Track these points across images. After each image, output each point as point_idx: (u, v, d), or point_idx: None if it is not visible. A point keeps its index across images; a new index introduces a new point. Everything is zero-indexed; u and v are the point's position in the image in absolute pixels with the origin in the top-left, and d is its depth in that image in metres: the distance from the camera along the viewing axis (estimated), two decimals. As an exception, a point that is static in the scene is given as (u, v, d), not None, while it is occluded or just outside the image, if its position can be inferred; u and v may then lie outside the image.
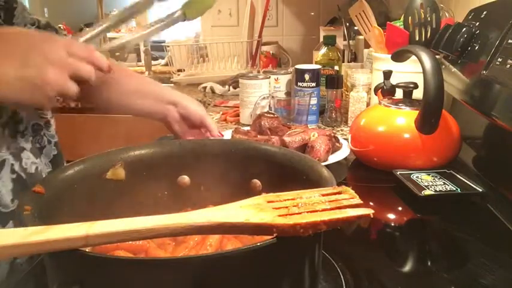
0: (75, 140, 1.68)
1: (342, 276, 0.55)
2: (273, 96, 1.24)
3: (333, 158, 0.94)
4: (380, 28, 1.18)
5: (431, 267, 0.60)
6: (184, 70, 2.08)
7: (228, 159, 0.60)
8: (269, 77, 1.29)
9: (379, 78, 1.07)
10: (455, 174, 0.84)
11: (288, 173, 0.55)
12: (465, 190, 0.78)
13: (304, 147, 0.93)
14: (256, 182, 0.58)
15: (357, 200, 0.40)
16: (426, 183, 0.79)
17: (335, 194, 0.41)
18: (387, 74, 1.02)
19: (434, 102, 0.81)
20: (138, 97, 0.86)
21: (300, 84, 1.26)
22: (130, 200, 0.56)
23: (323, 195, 0.41)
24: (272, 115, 1.06)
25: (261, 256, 0.37)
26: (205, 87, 1.85)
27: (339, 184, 0.45)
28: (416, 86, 0.92)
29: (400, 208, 0.81)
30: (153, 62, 2.46)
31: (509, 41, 0.75)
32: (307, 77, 1.25)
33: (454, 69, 0.94)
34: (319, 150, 0.90)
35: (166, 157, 0.60)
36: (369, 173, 0.92)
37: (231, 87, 1.77)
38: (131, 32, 3.31)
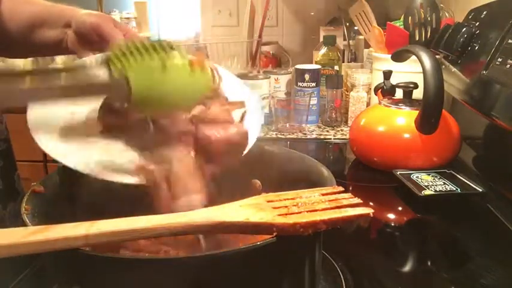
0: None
1: (342, 276, 0.55)
2: (273, 96, 1.24)
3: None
4: (380, 28, 1.18)
5: (431, 267, 0.60)
6: (184, 70, 2.08)
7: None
8: (269, 77, 1.29)
9: (379, 78, 1.07)
10: (455, 174, 0.84)
11: (288, 172, 0.55)
12: (465, 190, 0.78)
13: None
14: (256, 182, 0.58)
15: (357, 200, 0.40)
16: (426, 183, 0.79)
17: (335, 193, 0.41)
18: (387, 74, 1.02)
19: (434, 102, 0.81)
20: (34, 27, 0.72)
21: (300, 84, 1.26)
22: (131, 200, 0.56)
23: (323, 194, 0.41)
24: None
25: (261, 256, 0.37)
26: (205, 87, 1.85)
27: (338, 184, 0.45)
28: (416, 86, 0.92)
29: (400, 208, 0.81)
30: (153, 62, 2.45)
31: (509, 41, 0.75)
32: (307, 77, 1.25)
33: (454, 69, 0.94)
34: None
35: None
36: (369, 173, 0.92)
37: (231, 87, 1.77)
38: (131, 32, 3.30)
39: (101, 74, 0.44)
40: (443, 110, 0.84)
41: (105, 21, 0.64)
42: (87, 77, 0.44)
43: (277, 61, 1.94)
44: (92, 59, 0.47)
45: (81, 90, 0.44)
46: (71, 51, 0.69)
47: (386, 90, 1.01)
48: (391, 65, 1.01)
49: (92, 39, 0.65)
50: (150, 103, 0.45)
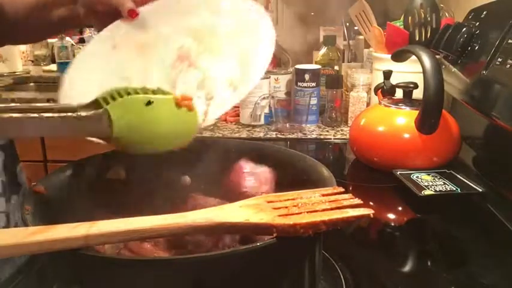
0: (74, 140, 1.68)
1: (342, 276, 0.55)
2: (273, 96, 1.24)
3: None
4: (380, 28, 1.18)
5: (431, 267, 0.60)
6: (184, 70, 2.08)
7: (229, 159, 0.60)
8: (269, 77, 1.29)
9: (379, 78, 1.07)
10: (455, 174, 0.84)
11: (288, 173, 0.55)
12: (465, 190, 0.78)
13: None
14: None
15: (357, 200, 0.40)
16: (426, 183, 0.79)
17: (335, 194, 0.41)
18: (387, 74, 1.02)
19: (434, 102, 0.81)
20: (38, 9, 0.69)
21: (300, 84, 1.26)
22: (131, 200, 0.56)
23: (323, 195, 0.41)
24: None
25: (261, 256, 0.37)
26: (205, 87, 1.85)
27: (338, 184, 0.45)
28: (416, 86, 0.92)
29: (400, 208, 0.81)
30: (153, 62, 2.45)
31: (509, 41, 0.75)
32: (307, 77, 1.25)
33: (454, 69, 0.94)
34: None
35: (167, 157, 0.60)
36: (369, 173, 0.92)
37: (231, 87, 1.77)
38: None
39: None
40: (443, 110, 0.84)
41: None
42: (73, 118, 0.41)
43: (277, 61, 1.94)
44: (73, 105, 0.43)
45: (68, 128, 0.42)
46: (87, 25, 0.67)
47: (386, 90, 1.01)
48: (391, 65, 1.01)
49: (102, 9, 0.64)
50: (133, 140, 0.44)
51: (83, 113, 0.41)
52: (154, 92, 0.44)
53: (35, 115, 0.39)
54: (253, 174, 0.53)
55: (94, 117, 0.41)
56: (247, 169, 0.54)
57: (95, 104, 0.42)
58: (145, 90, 0.43)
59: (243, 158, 0.60)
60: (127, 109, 0.42)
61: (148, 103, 0.42)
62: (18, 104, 0.41)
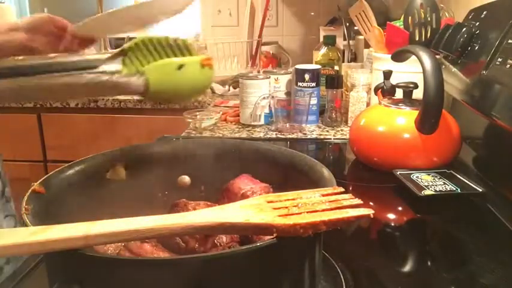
0: (74, 140, 1.68)
1: (341, 276, 0.55)
2: (273, 96, 1.24)
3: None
4: (380, 28, 1.18)
5: (431, 267, 0.60)
6: (184, 70, 2.07)
7: (229, 159, 0.60)
8: (269, 77, 1.29)
9: (379, 78, 1.07)
10: (455, 174, 0.84)
11: (289, 173, 0.55)
12: (465, 190, 0.78)
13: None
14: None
15: (357, 200, 0.40)
16: (426, 183, 0.79)
17: (335, 194, 0.41)
18: (387, 74, 1.02)
19: (434, 102, 0.81)
20: None
21: (300, 84, 1.26)
22: (131, 200, 0.56)
23: (323, 195, 0.41)
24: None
25: (261, 256, 0.37)
26: (205, 87, 1.85)
27: (338, 184, 0.45)
28: (416, 86, 0.92)
29: (400, 208, 0.81)
30: (153, 62, 2.45)
31: (509, 41, 0.75)
32: (307, 77, 1.25)
33: (454, 69, 0.94)
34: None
35: (166, 157, 0.60)
36: (369, 173, 0.92)
37: (231, 87, 1.77)
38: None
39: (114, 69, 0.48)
40: (443, 110, 0.84)
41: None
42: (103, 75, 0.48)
43: (277, 61, 1.94)
44: (102, 55, 0.49)
45: (102, 88, 0.48)
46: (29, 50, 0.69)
47: (386, 90, 1.01)
48: (391, 65, 1.01)
49: (49, 30, 0.69)
50: (163, 96, 0.52)
51: (125, 76, 0.48)
52: (182, 44, 0.51)
53: (85, 79, 0.45)
54: (253, 193, 0.54)
55: (135, 79, 0.48)
56: (244, 190, 0.54)
57: (123, 52, 0.48)
58: (172, 43, 0.50)
59: (244, 158, 0.60)
60: (161, 72, 0.49)
61: (180, 67, 0.49)
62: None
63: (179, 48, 0.51)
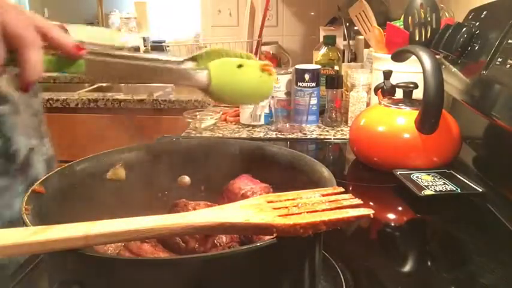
0: (74, 140, 1.68)
1: (341, 276, 0.55)
2: (273, 96, 1.24)
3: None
4: (380, 28, 1.18)
5: (431, 267, 0.60)
6: (184, 70, 2.07)
7: (229, 159, 0.60)
8: (269, 77, 1.29)
9: (379, 78, 1.07)
10: (455, 174, 0.84)
11: (289, 173, 0.55)
12: (465, 190, 0.78)
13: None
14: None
15: (357, 200, 0.40)
16: (426, 183, 0.79)
17: (335, 194, 0.41)
18: (387, 74, 1.02)
19: (434, 102, 0.81)
20: None
21: (300, 84, 1.26)
22: (131, 200, 0.56)
23: (323, 195, 0.41)
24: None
25: (261, 256, 0.37)
26: (205, 87, 1.85)
27: (338, 184, 0.45)
28: (416, 86, 0.92)
29: (400, 208, 0.81)
30: (153, 62, 2.45)
31: (509, 41, 0.75)
32: (307, 77, 1.25)
33: (454, 69, 0.94)
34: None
35: (166, 157, 0.60)
36: (369, 173, 0.92)
37: (231, 87, 1.77)
38: (131, 32, 3.30)
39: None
40: (443, 110, 0.84)
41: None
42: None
43: (277, 61, 1.94)
44: (179, 58, 0.54)
45: (173, 76, 0.53)
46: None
47: (386, 90, 1.01)
48: (391, 65, 1.01)
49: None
50: (225, 94, 0.55)
51: (193, 68, 0.53)
52: (246, 57, 0.55)
53: (161, 65, 0.52)
54: (253, 193, 0.54)
55: (199, 72, 0.53)
56: (244, 190, 0.54)
57: (196, 60, 0.54)
58: (239, 55, 0.55)
59: (244, 158, 0.60)
60: (223, 68, 0.54)
61: (240, 66, 0.54)
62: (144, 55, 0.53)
63: (242, 56, 0.55)
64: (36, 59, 0.46)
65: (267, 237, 0.37)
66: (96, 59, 0.50)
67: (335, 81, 1.24)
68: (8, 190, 0.70)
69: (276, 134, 1.21)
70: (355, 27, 1.50)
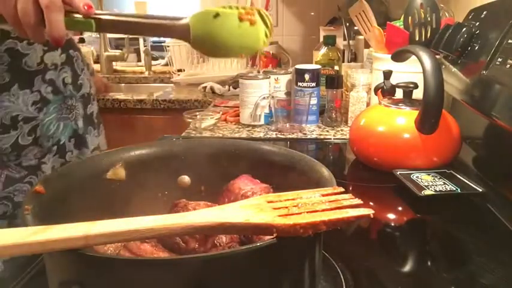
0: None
1: (341, 276, 0.55)
2: (273, 96, 1.24)
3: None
4: (380, 28, 1.18)
5: (431, 267, 0.60)
6: (184, 70, 2.08)
7: (229, 159, 0.60)
8: (269, 77, 1.29)
9: (379, 78, 1.07)
10: (455, 174, 0.84)
11: (289, 173, 0.55)
12: (465, 190, 0.78)
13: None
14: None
15: (357, 200, 0.40)
16: (426, 183, 0.79)
17: (335, 194, 0.41)
18: (387, 74, 1.02)
19: (434, 102, 0.81)
20: None
21: (300, 84, 1.26)
22: (131, 200, 0.56)
23: (323, 195, 0.41)
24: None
25: (261, 256, 0.37)
26: (205, 87, 1.86)
27: (338, 184, 0.45)
28: (416, 86, 0.92)
29: (400, 208, 0.81)
30: (153, 62, 2.46)
31: (509, 41, 0.75)
32: (307, 77, 1.25)
33: (454, 69, 0.94)
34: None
35: (166, 157, 0.60)
36: (369, 173, 0.92)
37: (231, 87, 1.78)
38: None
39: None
40: (443, 110, 0.84)
41: None
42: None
43: (277, 61, 1.94)
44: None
45: (161, 30, 0.57)
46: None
47: (386, 90, 1.01)
48: (391, 65, 1.01)
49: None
50: (206, 44, 0.56)
51: (172, 20, 0.56)
52: (228, 7, 0.55)
53: (145, 20, 0.56)
54: (253, 194, 0.54)
55: (181, 24, 0.55)
56: (244, 190, 0.54)
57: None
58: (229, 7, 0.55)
59: (244, 158, 0.60)
60: (200, 19, 0.55)
61: (216, 15, 0.53)
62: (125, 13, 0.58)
63: (231, 8, 0.55)
64: (57, 19, 0.55)
65: (267, 237, 0.37)
66: (103, 18, 0.56)
67: (335, 81, 1.24)
68: None
69: (276, 134, 1.21)
70: (355, 27, 1.50)
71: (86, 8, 0.56)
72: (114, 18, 0.56)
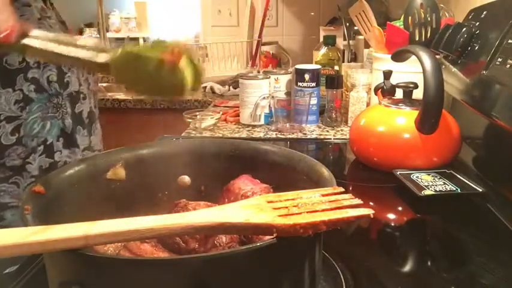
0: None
1: (342, 276, 0.55)
2: (273, 96, 1.24)
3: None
4: (380, 28, 1.18)
5: (431, 267, 0.60)
6: (184, 70, 2.08)
7: (229, 160, 0.60)
8: (269, 77, 1.29)
9: (379, 78, 1.07)
10: (455, 174, 0.84)
11: (288, 173, 0.55)
12: (465, 190, 0.78)
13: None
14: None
15: (357, 200, 0.40)
16: (426, 183, 0.79)
17: (335, 194, 0.41)
18: (387, 74, 1.02)
19: (434, 102, 0.81)
20: None
21: (300, 84, 1.26)
22: (130, 200, 0.56)
23: (323, 195, 0.41)
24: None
25: (261, 256, 0.37)
26: (205, 87, 1.86)
27: (338, 184, 0.45)
28: (416, 86, 0.92)
29: (400, 208, 0.81)
30: (153, 62, 2.45)
31: (509, 41, 0.75)
32: (307, 77, 1.25)
33: (454, 69, 0.94)
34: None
35: (166, 157, 0.60)
36: (369, 173, 0.92)
37: (231, 87, 1.78)
38: (131, 32, 3.31)
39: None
40: (443, 110, 0.84)
41: None
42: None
43: (277, 61, 1.94)
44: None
45: (75, 61, 0.54)
46: None
47: (386, 90, 1.01)
48: (391, 65, 1.01)
49: None
50: (127, 83, 0.54)
51: (94, 50, 0.53)
52: (151, 46, 0.52)
53: (67, 53, 0.53)
54: (253, 194, 0.54)
55: (101, 62, 0.52)
56: (244, 190, 0.54)
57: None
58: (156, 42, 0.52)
59: (244, 158, 0.60)
60: (120, 59, 0.51)
61: (137, 56, 0.50)
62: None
63: (155, 45, 0.52)
64: None
65: (267, 237, 0.37)
66: (31, 45, 0.54)
67: (335, 81, 1.24)
68: None
69: (276, 134, 1.21)
70: (355, 27, 1.50)
71: (5, 36, 0.54)
72: (38, 46, 0.54)
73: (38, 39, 0.54)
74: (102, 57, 0.52)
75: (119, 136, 1.63)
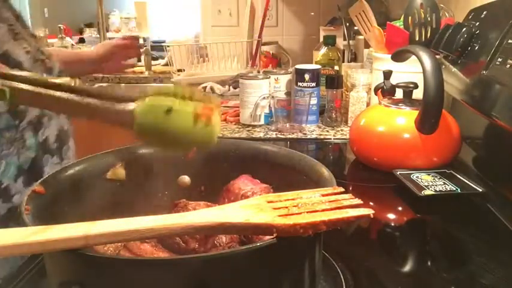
0: (74, 140, 1.68)
1: (341, 276, 0.55)
2: (273, 96, 1.24)
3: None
4: (380, 28, 1.18)
5: (431, 267, 0.60)
6: (184, 70, 2.08)
7: (229, 159, 0.60)
8: (269, 77, 1.29)
9: (379, 78, 1.07)
10: (455, 174, 0.84)
11: (288, 173, 0.55)
12: (465, 190, 0.78)
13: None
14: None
15: (357, 200, 0.40)
16: (426, 183, 0.79)
17: (335, 194, 0.41)
18: (387, 74, 1.02)
19: (434, 102, 0.81)
20: None
21: (300, 84, 1.26)
22: (131, 200, 0.56)
23: (323, 195, 0.41)
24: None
25: (261, 256, 0.37)
26: (205, 87, 1.85)
27: (338, 184, 0.45)
28: (416, 86, 0.92)
29: (400, 208, 0.81)
30: (153, 62, 2.45)
31: (509, 41, 0.75)
32: (307, 77, 1.25)
33: (454, 69, 0.94)
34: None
35: (166, 157, 0.60)
36: (369, 173, 0.92)
37: (231, 87, 1.77)
38: (131, 32, 3.30)
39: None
40: (443, 110, 0.84)
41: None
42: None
43: (277, 61, 1.94)
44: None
45: (96, 112, 0.46)
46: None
47: (386, 90, 1.01)
48: (391, 65, 1.01)
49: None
50: (151, 138, 0.48)
51: (117, 106, 0.46)
52: (181, 97, 0.46)
53: (78, 99, 0.45)
54: (253, 194, 0.53)
55: (124, 111, 0.46)
56: (244, 190, 0.54)
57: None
58: (176, 93, 0.46)
59: (243, 158, 0.60)
60: (148, 112, 0.46)
61: (168, 111, 0.45)
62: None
63: (180, 96, 0.47)
64: None
65: (267, 237, 0.37)
66: (20, 88, 0.44)
67: (335, 81, 1.24)
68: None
69: (276, 134, 1.21)
70: (355, 27, 1.50)
71: None
72: (32, 89, 0.44)
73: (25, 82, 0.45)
74: (125, 108, 0.46)
75: (118, 136, 1.63)
